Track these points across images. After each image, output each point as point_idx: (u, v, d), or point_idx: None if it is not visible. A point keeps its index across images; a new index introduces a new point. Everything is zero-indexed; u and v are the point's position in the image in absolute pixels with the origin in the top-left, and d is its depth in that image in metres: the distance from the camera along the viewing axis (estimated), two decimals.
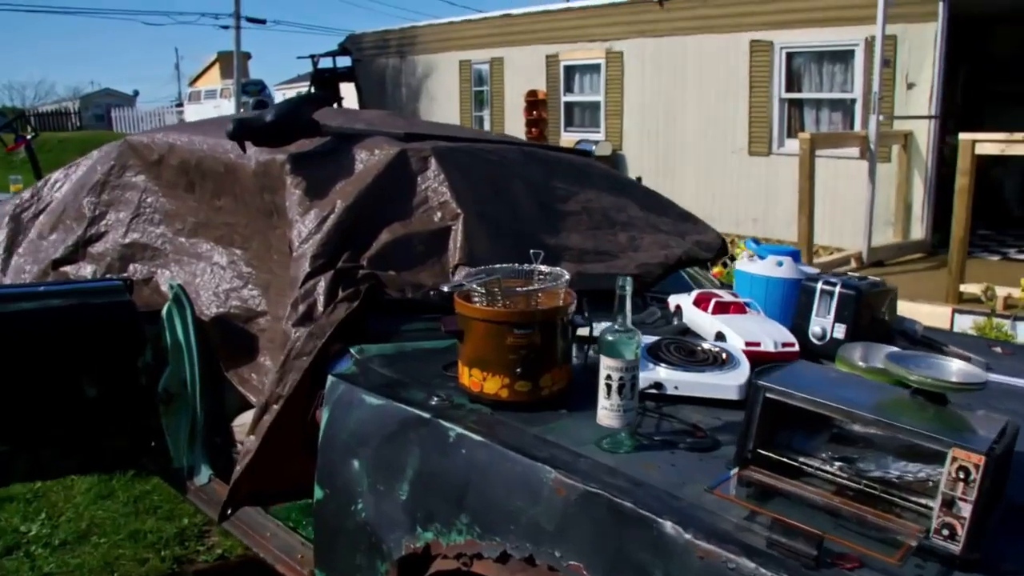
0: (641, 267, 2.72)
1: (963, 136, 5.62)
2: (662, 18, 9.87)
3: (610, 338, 1.59)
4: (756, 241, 2.49)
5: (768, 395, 1.47)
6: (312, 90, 16.73)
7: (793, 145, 8.70)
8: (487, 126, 13.06)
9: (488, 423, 1.71)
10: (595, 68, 11.12)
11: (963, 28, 7.45)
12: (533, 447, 1.60)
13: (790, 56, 8.65)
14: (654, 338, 2.02)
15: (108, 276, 3.09)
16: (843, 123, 8.50)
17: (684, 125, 9.83)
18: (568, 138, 11.39)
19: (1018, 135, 5.40)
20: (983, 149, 5.50)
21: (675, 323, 2.38)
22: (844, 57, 8.26)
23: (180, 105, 37.22)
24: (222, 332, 2.75)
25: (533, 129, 12.14)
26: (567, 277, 1.81)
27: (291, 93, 34.00)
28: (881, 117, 7.04)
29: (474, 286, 1.74)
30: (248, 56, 34.76)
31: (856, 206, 7.71)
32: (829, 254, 7.98)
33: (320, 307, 2.20)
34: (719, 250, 3.21)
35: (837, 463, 1.49)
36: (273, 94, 34.34)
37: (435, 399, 1.82)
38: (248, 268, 2.84)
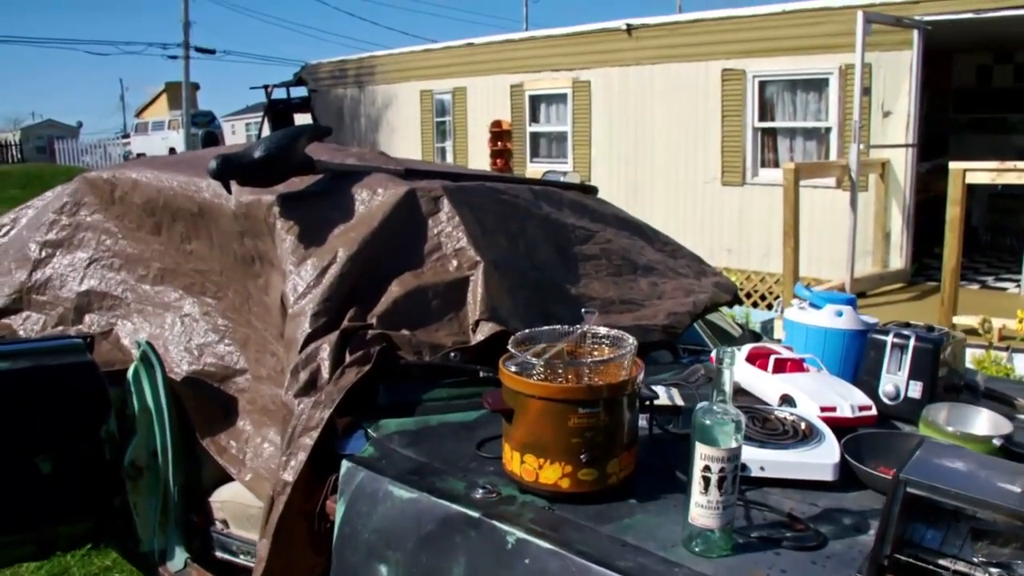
0: (670, 317, 2.47)
1: (953, 165, 5.52)
2: (631, 47, 9.74)
3: (707, 422, 1.30)
4: (808, 287, 2.24)
5: (912, 491, 1.21)
6: (266, 121, 16.31)
7: (767, 175, 8.60)
8: (450, 157, 12.78)
9: (551, 523, 1.42)
10: (562, 98, 10.93)
11: (924, 58, 7.44)
12: (615, 555, 1.31)
13: (763, 84, 8.57)
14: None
15: (61, 328, 2.76)
16: (818, 152, 8.43)
17: (654, 155, 9.68)
18: (535, 169, 11.17)
19: (1009, 164, 5.32)
20: (973, 178, 5.41)
21: None
22: (818, 85, 8.20)
23: (126, 136, 36.30)
24: (196, 394, 2.46)
25: (498, 160, 11.87)
26: (634, 342, 1.53)
27: (240, 124, 33.48)
28: (861, 146, 6.95)
29: (534, 359, 1.44)
30: (197, 87, 34.18)
31: (834, 236, 7.61)
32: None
33: (325, 373, 1.90)
34: (736, 293, 2.99)
35: (995, 570, 1.23)
36: (222, 125, 33.71)
37: (480, 491, 1.52)
38: (224, 320, 2.54)
